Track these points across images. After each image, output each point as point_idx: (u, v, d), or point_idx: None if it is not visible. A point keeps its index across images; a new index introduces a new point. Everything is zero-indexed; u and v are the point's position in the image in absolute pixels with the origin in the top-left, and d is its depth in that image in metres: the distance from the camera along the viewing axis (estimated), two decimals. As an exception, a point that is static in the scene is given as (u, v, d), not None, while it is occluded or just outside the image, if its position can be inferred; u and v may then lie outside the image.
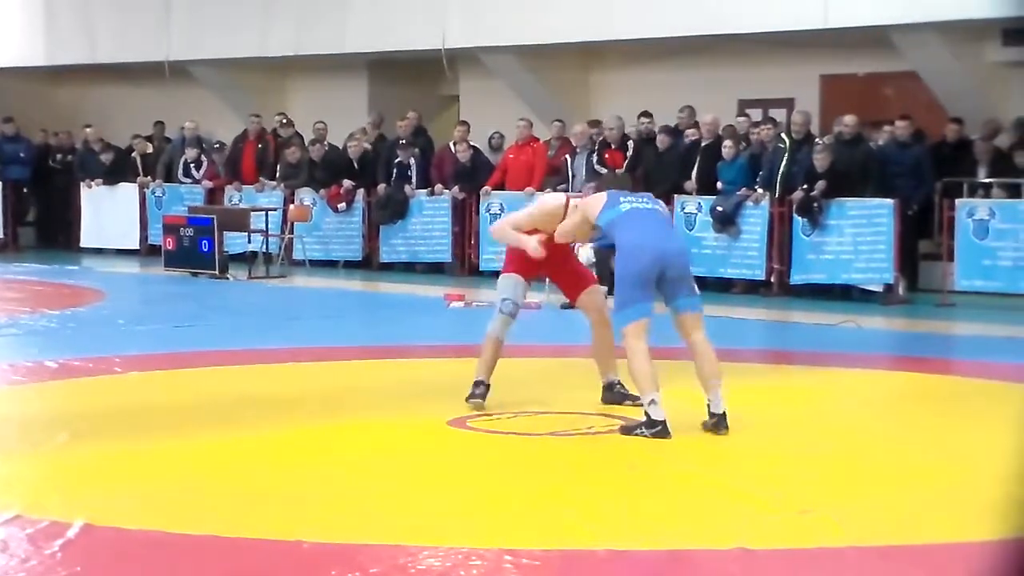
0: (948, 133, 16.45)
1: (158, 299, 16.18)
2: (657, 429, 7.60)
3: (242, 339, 11.99)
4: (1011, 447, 7.51)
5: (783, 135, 16.27)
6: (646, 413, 7.67)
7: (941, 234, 15.59)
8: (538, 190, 17.63)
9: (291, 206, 19.63)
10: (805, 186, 15.49)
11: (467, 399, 8.42)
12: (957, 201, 15.23)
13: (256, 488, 6.54)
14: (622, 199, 8.01)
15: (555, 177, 17.78)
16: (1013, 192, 15.36)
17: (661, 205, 8.28)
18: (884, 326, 13.64)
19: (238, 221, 18.85)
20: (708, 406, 7.81)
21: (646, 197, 8.20)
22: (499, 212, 17.99)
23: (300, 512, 6.05)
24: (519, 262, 8.56)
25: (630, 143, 17.19)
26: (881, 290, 15.40)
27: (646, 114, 17.55)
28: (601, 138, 17.19)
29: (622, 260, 7.76)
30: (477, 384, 8.47)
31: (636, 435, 7.61)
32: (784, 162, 15.91)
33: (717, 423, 7.74)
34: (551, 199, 8.79)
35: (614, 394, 8.67)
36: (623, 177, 9.18)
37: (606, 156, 17.14)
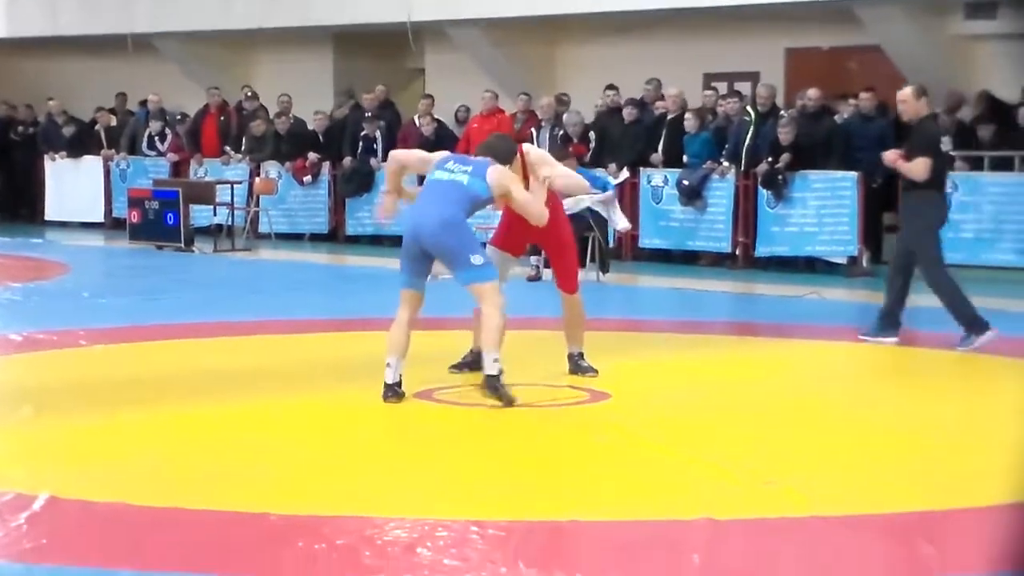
0: (911, 106, 16.50)
1: (123, 272, 16.13)
2: (383, 391, 7.76)
3: (208, 312, 11.97)
4: (979, 418, 7.60)
5: (748, 108, 16.31)
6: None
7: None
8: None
9: (257, 179, 19.57)
10: (770, 159, 15.54)
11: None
12: (921, 174, 15.29)
13: (222, 460, 6.55)
14: (445, 164, 8.06)
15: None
16: (976, 165, 15.45)
17: (477, 179, 7.93)
18: (848, 298, 13.72)
19: (204, 194, 18.77)
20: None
21: (475, 165, 8.04)
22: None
23: (266, 484, 6.06)
24: (507, 235, 8.60)
25: (591, 134, 17.14)
26: (845, 262, 15.49)
27: (611, 87, 17.56)
28: (562, 133, 17.11)
29: None
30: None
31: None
32: (749, 135, 15.95)
33: (483, 383, 7.80)
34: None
35: (575, 364, 8.74)
36: (496, 143, 8.84)
37: (571, 149, 17.14)
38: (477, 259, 7.80)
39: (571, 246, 8.83)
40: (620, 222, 13.21)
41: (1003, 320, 11.73)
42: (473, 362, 8.71)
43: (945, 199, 10.58)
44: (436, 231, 7.75)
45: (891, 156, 10.40)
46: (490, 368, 7.70)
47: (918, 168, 10.05)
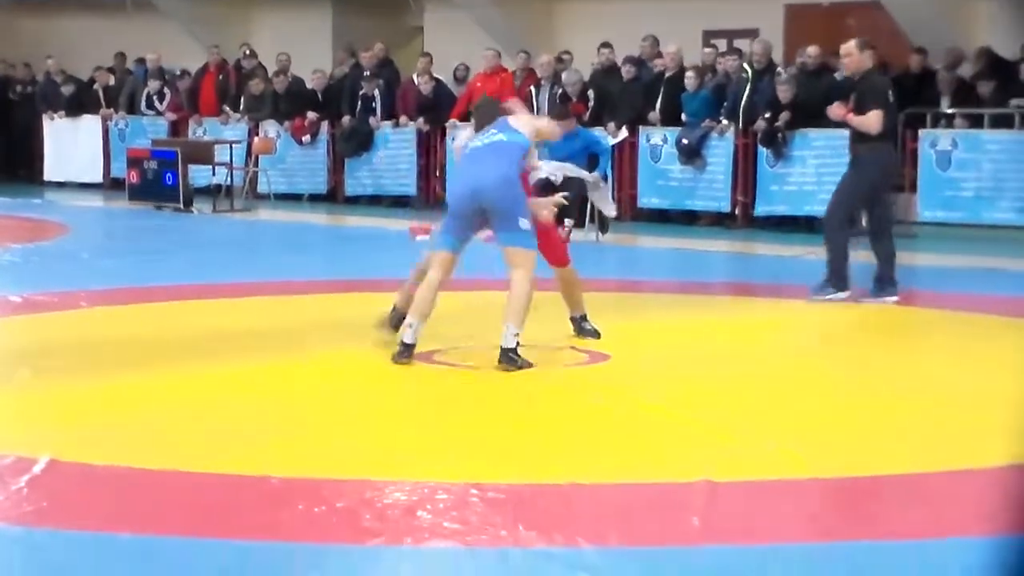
0: (911, 63, 16.48)
1: (122, 233, 16.14)
2: (399, 350, 7.82)
3: (207, 273, 11.97)
4: (979, 377, 7.60)
5: (745, 65, 16.25)
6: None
7: (904, 165, 15.64)
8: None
9: (255, 139, 19.54)
10: (767, 116, 15.49)
11: None
12: (920, 132, 15.30)
13: (223, 423, 6.55)
14: (475, 139, 8.17)
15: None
16: (975, 122, 15.42)
17: (510, 132, 8.01)
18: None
19: (202, 154, 18.74)
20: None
21: (497, 126, 8.09)
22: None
23: (267, 447, 6.07)
24: None
25: (590, 92, 17.05)
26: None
27: (606, 45, 17.50)
28: (561, 91, 17.03)
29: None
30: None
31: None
32: (746, 93, 15.90)
33: (500, 357, 7.70)
34: None
35: (578, 327, 8.74)
36: (488, 105, 8.97)
37: (570, 108, 17.10)
38: (525, 223, 7.82)
39: (551, 228, 8.87)
40: (608, 208, 13.23)
41: (1003, 279, 11.77)
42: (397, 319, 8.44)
43: (895, 150, 10.62)
44: (497, 186, 7.77)
45: (839, 111, 10.41)
46: (509, 341, 7.65)
47: (871, 121, 10.07)
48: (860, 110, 10.16)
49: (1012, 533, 3.53)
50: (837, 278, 10.26)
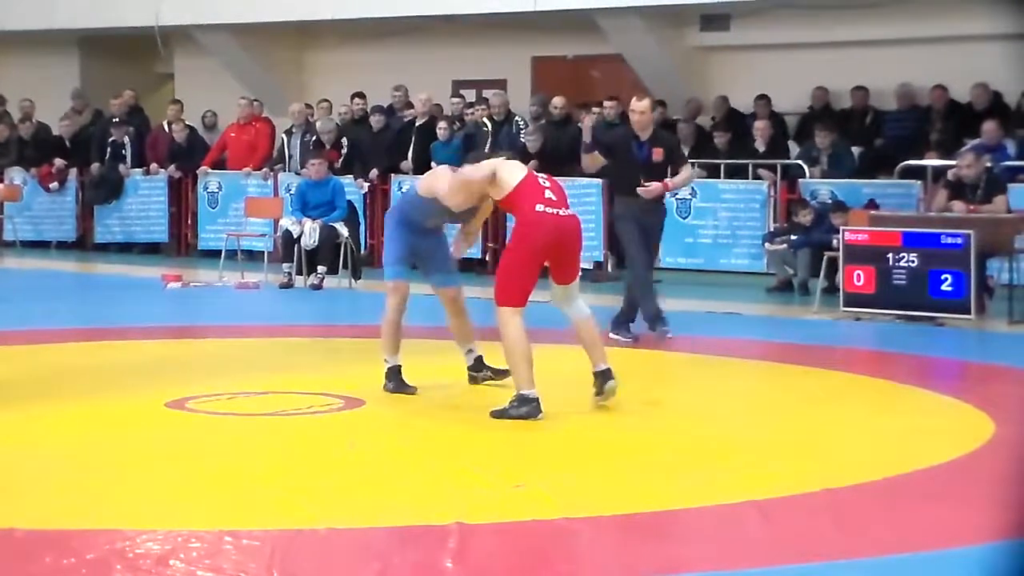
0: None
1: None
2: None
3: (-51, 324, 11.64)
4: (719, 418, 7.94)
5: (484, 119, 16.57)
6: None
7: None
8: (256, 169, 17.69)
9: (0, 185, 19.08)
10: (520, 166, 15.84)
11: None
12: (663, 180, 15.82)
13: (-32, 477, 6.42)
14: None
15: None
16: (713, 172, 16.03)
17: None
18: (593, 302, 13.98)
19: (-57, 201, 18.22)
20: None
21: None
22: (217, 191, 17.93)
23: (13, 500, 5.96)
24: None
25: (344, 140, 17.13)
26: (591, 267, 15.88)
27: (359, 95, 17.69)
28: (315, 138, 17.07)
29: None
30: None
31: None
32: (488, 144, 16.23)
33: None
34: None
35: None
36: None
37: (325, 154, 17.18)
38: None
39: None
40: None
41: (739, 323, 12.28)
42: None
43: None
44: None
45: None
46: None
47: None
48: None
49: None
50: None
